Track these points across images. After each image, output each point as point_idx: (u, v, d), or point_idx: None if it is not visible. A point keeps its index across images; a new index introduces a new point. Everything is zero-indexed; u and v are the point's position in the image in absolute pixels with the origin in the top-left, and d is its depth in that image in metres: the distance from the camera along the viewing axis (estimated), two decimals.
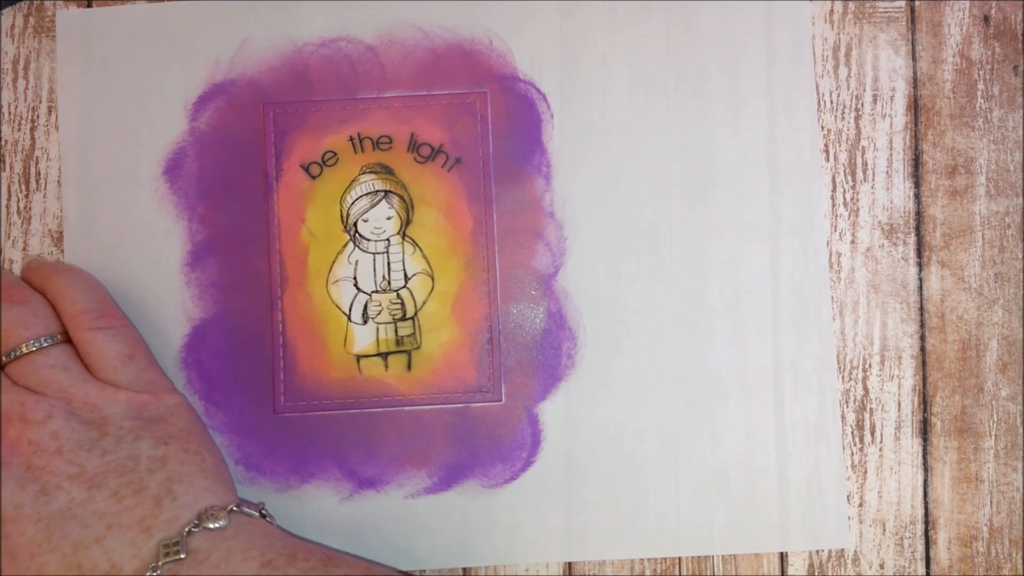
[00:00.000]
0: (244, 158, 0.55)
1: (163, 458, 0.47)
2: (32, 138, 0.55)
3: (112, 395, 0.48)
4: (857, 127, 0.55)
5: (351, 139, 0.55)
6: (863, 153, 0.55)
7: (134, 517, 0.45)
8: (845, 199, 0.55)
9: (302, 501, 0.54)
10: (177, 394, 0.51)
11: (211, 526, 0.45)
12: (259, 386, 0.54)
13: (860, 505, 0.54)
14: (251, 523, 0.46)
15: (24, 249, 0.54)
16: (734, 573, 0.54)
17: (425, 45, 0.55)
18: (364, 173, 0.55)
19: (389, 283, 0.54)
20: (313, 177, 0.55)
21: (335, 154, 0.55)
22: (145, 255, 0.55)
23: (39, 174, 0.55)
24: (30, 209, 0.54)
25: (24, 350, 0.48)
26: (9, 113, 0.55)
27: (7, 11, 0.55)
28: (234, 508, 0.46)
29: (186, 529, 0.44)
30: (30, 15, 0.55)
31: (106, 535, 0.44)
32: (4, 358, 0.49)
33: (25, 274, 0.53)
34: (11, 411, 0.46)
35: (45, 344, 0.49)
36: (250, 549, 0.45)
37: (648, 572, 0.54)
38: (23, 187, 0.55)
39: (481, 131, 0.55)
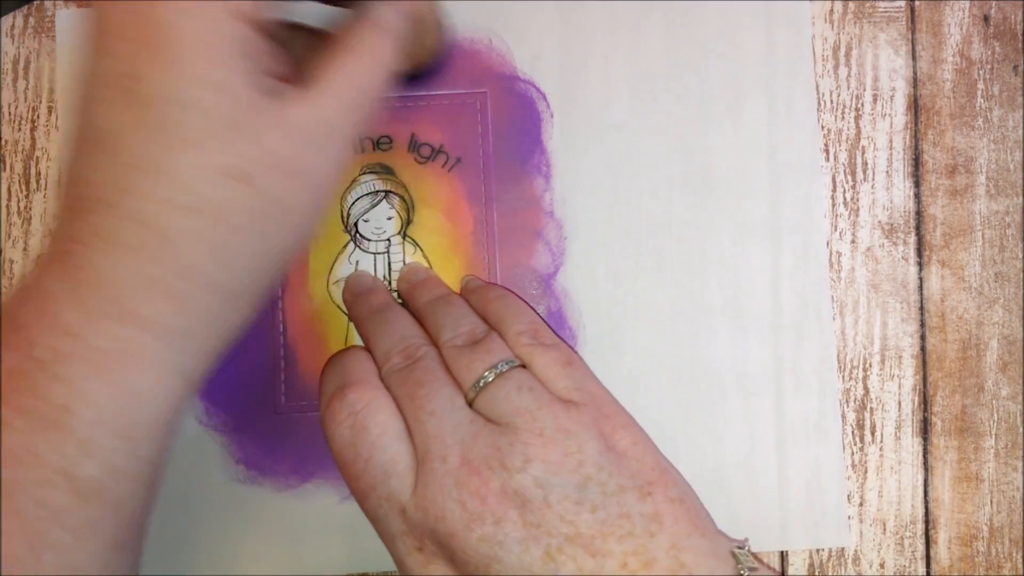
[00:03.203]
0: None
1: (655, 516, 0.41)
2: (32, 138, 0.55)
3: (578, 418, 0.43)
4: (857, 127, 0.55)
5: None
6: (863, 153, 0.55)
7: None
8: (845, 199, 0.55)
9: (302, 500, 0.54)
10: (623, 411, 0.46)
11: None
12: (260, 386, 0.54)
13: (860, 505, 0.54)
14: None
15: (24, 249, 0.54)
16: None
17: None
18: (364, 173, 0.55)
19: (390, 283, 0.54)
20: None
21: None
22: None
23: (39, 174, 0.55)
24: (30, 209, 0.54)
25: (490, 377, 0.44)
26: (9, 113, 0.55)
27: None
28: (745, 572, 0.41)
29: None
30: (30, 15, 0.55)
31: None
32: (471, 393, 0.45)
33: (464, 294, 0.53)
34: (489, 457, 0.41)
35: (504, 368, 0.45)
36: None
37: None
38: (23, 187, 0.55)
39: (481, 131, 0.55)
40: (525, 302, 0.52)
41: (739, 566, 0.41)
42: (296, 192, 0.38)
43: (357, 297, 0.53)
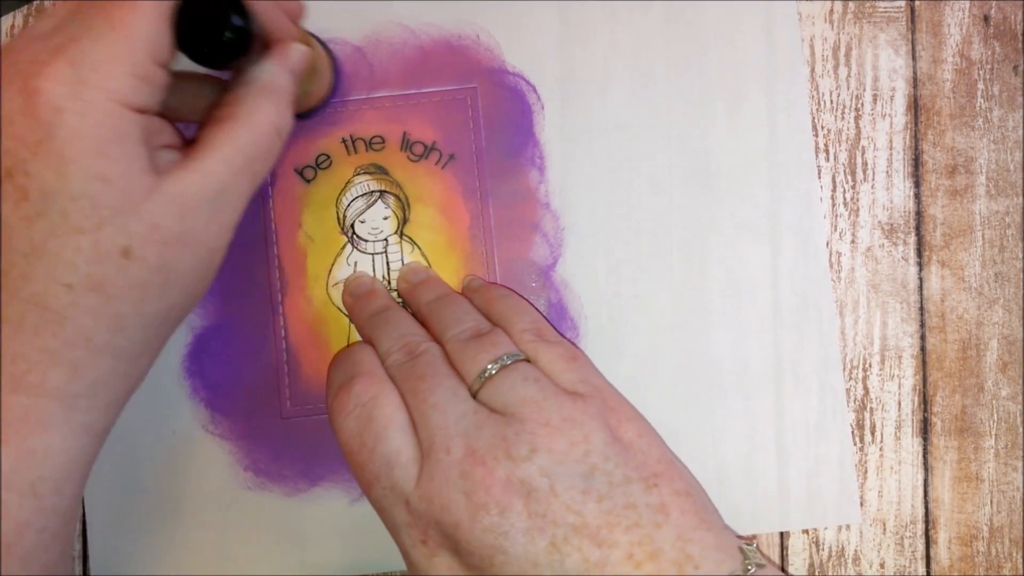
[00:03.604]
0: None
1: (662, 507, 0.41)
2: None
3: (584, 408, 0.43)
4: (857, 127, 0.54)
5: (343, 141, 0.54)
6: (863, 153, 0.54)
7: None
8: (845, 199, 0.54)
9: (312, 504, 0.54)
10: (628, 404, 0.47)
11: None
12: (264, 392, 0.55)
13: (860, 505, 0.54)
14: None
15: None
16: None
17: (412, 43, 0.55)
18: (358, 174, 0.54)
19: (389, 283, 0.54)
20: (307, 181, 0.54)
21: (328, 156, 0.54)
22: None
23: None
24: None
25: (494, 369, 0.45)
26: None
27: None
28: (753, 569, 0.41)
29: None
30: (30, 15, 0.55)
31: None
32: (475, 384, 0.45)
33: (467, 294, 0.53)
34: (495, 446, 0.42)
35: (508, 362, 0.45)
36: None
37: None
38: None
39: (473, 126, 0.54)
40: (528, 302, 0.52)
41: (747, 562, 0.41)
42: (181, 259, 0.39)
43: (357, 300, 0.53)
